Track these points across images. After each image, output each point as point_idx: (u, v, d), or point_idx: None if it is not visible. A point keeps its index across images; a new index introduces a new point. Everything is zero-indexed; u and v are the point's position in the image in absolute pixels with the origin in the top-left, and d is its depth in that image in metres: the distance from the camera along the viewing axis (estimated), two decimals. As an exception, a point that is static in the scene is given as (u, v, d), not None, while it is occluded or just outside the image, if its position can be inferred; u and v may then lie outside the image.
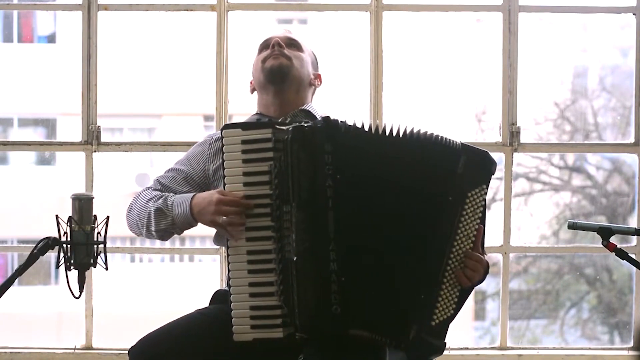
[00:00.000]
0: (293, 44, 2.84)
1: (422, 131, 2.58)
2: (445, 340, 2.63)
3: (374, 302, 2.53)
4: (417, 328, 2.54)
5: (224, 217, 2.58)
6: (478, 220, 2.59)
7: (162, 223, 2.74)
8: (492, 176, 2.63)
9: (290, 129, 2.54)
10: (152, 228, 2.76)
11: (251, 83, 2.92)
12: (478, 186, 2.58)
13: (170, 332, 2.63)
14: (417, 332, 2.54)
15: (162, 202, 2.74)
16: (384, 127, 2.56)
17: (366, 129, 2.56)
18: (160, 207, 2.73)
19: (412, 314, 2.54)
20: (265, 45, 2.86)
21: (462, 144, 2.60)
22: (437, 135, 2.59)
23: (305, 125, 2.55)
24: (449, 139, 2.61)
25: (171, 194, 2.77)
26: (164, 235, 2.79)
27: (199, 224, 2.75)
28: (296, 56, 2.83)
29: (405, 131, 2.56)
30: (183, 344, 2.58)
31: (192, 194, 2.71)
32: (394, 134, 2.55)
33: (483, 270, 2.62)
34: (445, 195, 2.55)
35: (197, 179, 2.82)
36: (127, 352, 3.87)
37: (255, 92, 2.93)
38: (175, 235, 2.81)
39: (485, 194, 2.60)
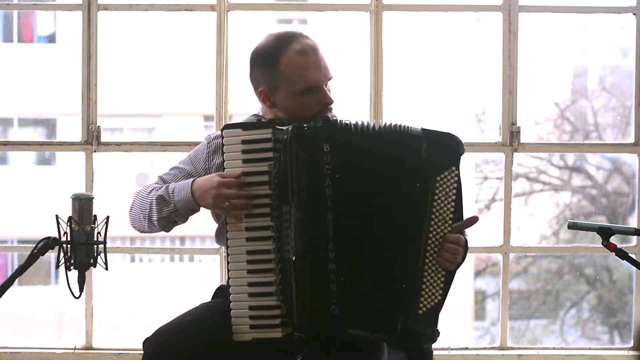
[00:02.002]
0: (329, 86, 2.77)
1: (383, 123, 2.59)
2: (438, 328, 2.62)
3: (368, 300, 2.53)
4: (404, 319, 2.53)
5: (227, 202, 2.59)
6: (452, 203, 2.57)
7: (164, 210, 2.74)
8: (461, 156, 2.60)
9: (289, 128, 2.54)
10: (154, 217, 2.75)
11: (263, 93, 2.76)
12: (447, 169, 2.57)
13: (183, 324, 2.63)
14: (405, 323, 2.54)
15: (163, 190, 2.74)
16: (365, 124, 2.57)
17: (361, 126, 2.56)
18: (162, 194, 2.73)
19: (397, 305, 2.53)
20: (311, 89, 2.70)
21: (422, 129, 2.59)
22: (397, 125, 2.60)
23: (305, 125, 2.55)
24: (409, 127, 2.61)
25: (172, 183, 2.77)
26: (166, 224, 2.77)
27: (202, 210, 2.74)
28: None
29: (374, 126, 2.57)
30: (197, 335, 2.59)
31: (191, 180, 2.71)
32: (370, 129, 2.57)
33: (463, 250, 2.60)
34: (413, 184, 2.55)
35: (198, 177, 2.81)
36: (127, 352, 3.89)
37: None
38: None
39: (457, 175, 2.58)
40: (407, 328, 2.53)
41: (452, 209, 2.58)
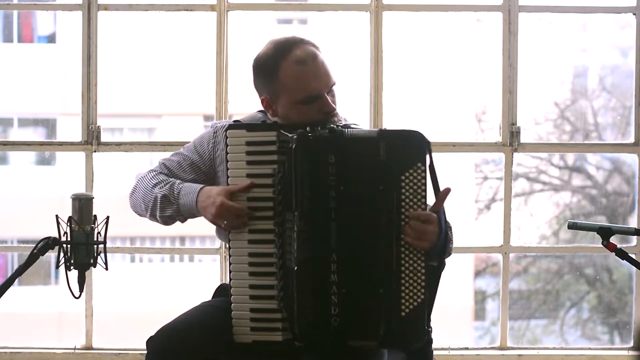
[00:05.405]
0: (333, 92, 2.76)
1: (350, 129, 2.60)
2: (430, 327, 2.62)
3: (366, 311, 2.53)
4: (386, 322, 2.53)
5: (225, 222, 2.59)
6: (423, 200, 2.54)
7: (167, 210, 2.74)
8: (427, 149, 2.53)
9: (294, 137, 2.53)
10: (157, 213, 2.75)
11: (265, 101, 2.75)
12: (412, 166, 2.52)
13: (187, 323, 2.63)
14: (387, 327, 2.52)
15: (168, 189, 2.73)
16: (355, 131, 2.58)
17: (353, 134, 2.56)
18: (167, 194, 2.72)
19: (378, 310, 2.52)
20: (312, 98, 2.68)
21: (379, 130, 2.57)
22: (356, 130, 2.61)
23: (310, 133, 2.54)
24: (366, 130, 2.62)
25: (179, 181, 2.75)
26: (168, 220, 2.78)
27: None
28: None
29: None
30: (200, 334, 2.59)
31: (199, 187, 2.70)
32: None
33: (437, 229, 2.54)
34: (376, 186, 2.53)
35: (203, 167, 2.81)
36: (127, 352, 3.89)
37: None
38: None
39: (424, 171, 2.52)
40: (390, 331, 2.51)
41: (423, 206, 2.55)
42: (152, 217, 2.79)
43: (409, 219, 2.51)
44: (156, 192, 2.74)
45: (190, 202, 2.69)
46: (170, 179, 2.77)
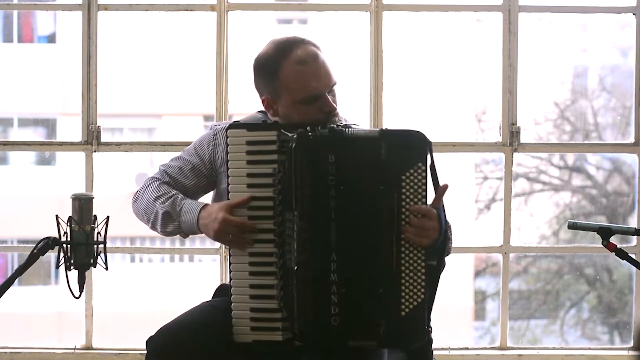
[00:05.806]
0: (334, 92, 2.75)
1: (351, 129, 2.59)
2: (431, 327, 2.63)
3: (366, 311, 2.53)
4: (386, 323, 2.53)
5: (229, 237, 2.59)
6: (424, 200, 2.54)
7: (169, 226, 2.74)
8: (428, 149, 2.53)
9: (294, 136, 2.53)
10: (158, 228, 2.77)
11: (266, 101, 2.75)
12: (412, 166, 2.52)
13: (186, 323, 2.63)
14: (388, 327, 2.53)
15: (170, 205, 2.73)
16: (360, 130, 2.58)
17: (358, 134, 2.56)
18: (169, 210, 2.72)
19: (378, 310, 2.52)
20: (312, 98, 2.68)
21: (380, 130, 2.56)
22: (356, 130, 2.61)
23: (310, 133, 2.54)
24: (367, 130, 2.62)
25: (181, 197, 2.75)
26: (169, 234, 2.80)
27: None
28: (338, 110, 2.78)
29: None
30: (200, 334, 2.60)
31: (201, 205, 2.70)
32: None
33: (436, 225, 2.54)
34: (377, 186, 2.53)
35: (204, 170, 2.81)
36: (127, 352, 3.89)
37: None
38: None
39: (424, 171, 2.52)
40: (391, 331, 2.52)
41: (422, 206, 2.54)
42: (154, 229, 2.79)
43: (408, 212, 2.52)
44: (158, 207, 2.74)
45: (191, 220, 2.69)
46: (173, 192, 2.77)
